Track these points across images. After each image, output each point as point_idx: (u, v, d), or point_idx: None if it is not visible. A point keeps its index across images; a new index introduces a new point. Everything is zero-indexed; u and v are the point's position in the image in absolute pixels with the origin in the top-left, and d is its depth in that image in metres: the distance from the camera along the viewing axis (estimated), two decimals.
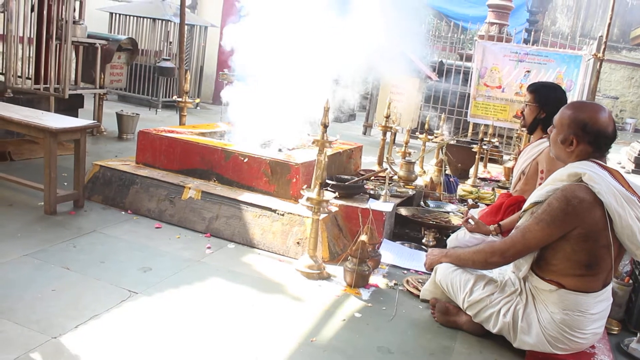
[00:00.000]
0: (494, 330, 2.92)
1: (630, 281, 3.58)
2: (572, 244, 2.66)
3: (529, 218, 2.78)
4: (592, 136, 2.72)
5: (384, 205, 4.30)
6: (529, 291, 2.87)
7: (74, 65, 6.82)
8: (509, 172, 6.83)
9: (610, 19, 8.43)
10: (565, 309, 2.72)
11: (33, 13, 6.06)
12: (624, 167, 11.07)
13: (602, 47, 8.61)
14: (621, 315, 3.54)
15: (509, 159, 7.79)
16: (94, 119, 7.03)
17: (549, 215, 2.66)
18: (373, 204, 4.25)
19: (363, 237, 3.57)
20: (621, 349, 3.18)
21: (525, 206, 2.88)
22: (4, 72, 6.08)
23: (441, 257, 3.20)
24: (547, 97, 3.82)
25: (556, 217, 2.64)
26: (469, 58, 10.87)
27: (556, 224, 2.65)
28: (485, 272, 3.06)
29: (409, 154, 5.57)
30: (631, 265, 3.72)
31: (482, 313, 2.94)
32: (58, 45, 6.08)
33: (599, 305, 2.75)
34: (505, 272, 3.04)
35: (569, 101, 3.64)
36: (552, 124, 2.88)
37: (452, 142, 7.27)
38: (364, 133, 11.23)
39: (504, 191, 4.47)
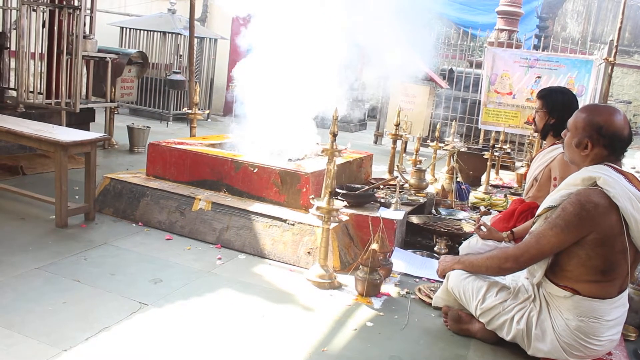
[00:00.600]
0: (508, 338, 2.87)
1: None
2: (587, 250, 2.61)
3: (543, 223, 2.74)
4: (608, 139, 2.67)
5: (395, 214, 4.27)
6: (542, 297, 2.82)
7: (84, 79, 6.87)
8: (521, 178, 6.79)
9: (621, 23, 8.39)
10: (580, 316, 2.67)
11: (44, 29, 6.13)
12: (638, 172, 10.98)
13: (614, 51, 8.56)
14: (638, 321, 3.47)
15: (521, 166, 7.74)
16: (105, 133, 7.08)
17: (563, 220, 2.62)
18: (384, 213, 4.23)
19: (374, 246, 3.55)
20: (638, 356, 3.12)
21: (538, 211, 2.83)
22: (16, 87, 6.14)
23: (454, 263, 3.17)
24: (554, 102, 3.80)
25: (571, 222, 2.59)
26: (479, 65, 10.85)
27: (570, 229, 2.60)
28: (498, 278, 3.02)
29: (420, 161, 5.54)
30: None
31: (495, 320, 2.90)
32: (69, 60, 6.14)
33: (615, 311, 2.70)
34: (519, 279, 3.00)
35: (580, 106, 3.65)
36: (566, 128, 2.84)
37: (463, 150, 7.24)
38: (375, 142, 11.21)
39: (517, 198, 4.43)
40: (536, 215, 2.86)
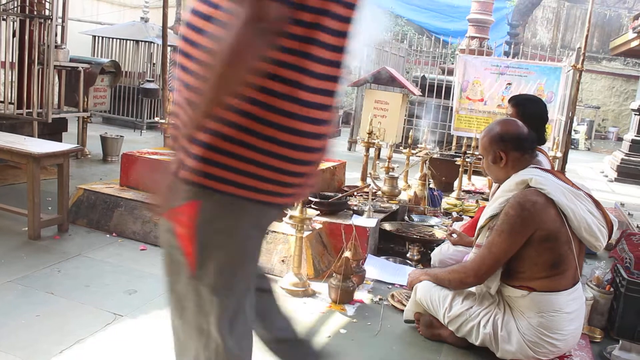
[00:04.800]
0: (477, 343, 2.94)
1: (612, 289, 3.62)
2: (535, 247, 2.75)
3: (487, 233, 2.88)
4: (513, 142, 2.93)
5: (367, 221, 4.33)
6: (504, 301, 2.92)
7: (56, 89, 6.83)
8: (492, 183, 6.89)
9: (588, 30, 8.56)
10: (540, 312, 2.78)
11: (15, 38, 6.08)
12: (607, 176, 11.20)
13: (581, 58, 8.74)
14: (603, 323, 3.58)
15: None
16: (78, 143, 7.04)
17: (508, 225, 2.76)
18: (356, 220, 4.28)
19: (347, 254, 3.60)
20: (604, 357, 3.22)
21: (481, 223, 2.97)
22: None
23: (421, 275, 3.24)
24: (528, 111, 3.87)
25: (515, 224, 2.74)
26: (450, 72, 11.00)
27: (517, 231, 2.74)
28: None
29: (392, 169, 5.61)
30: (612, 273, 3.77)
31: (463, 327, 2.97)
32: (40, 69, 6.10)
33: (572, 303, 2.82)
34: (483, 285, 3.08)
35: (550, 112, 3.82)
36: (480, 156, 3.12)
37: (435, 156, 7.33)
38: (349, 149, 11.27)
39: (483, 205, 4.52)
40: (478, 227, 2.98)
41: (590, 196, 2.89)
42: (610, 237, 2.90)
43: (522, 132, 2.94)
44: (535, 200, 2.73)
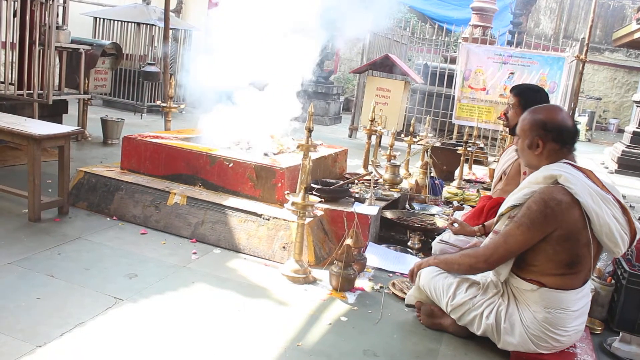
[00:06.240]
0: (478, 333, 2.94)
1: (613, 281, 3.62)
2: (553, 245, 2.70)
3: (507, 222, 2.82)
4: (555, 133, 2.79)
5: (369, 209, 4.31)
6: (510, 292, 2.90)
7: (57, 70, 6.78)
8: (493, 173, 6.88)
9: (592, 21, 8.54)
10: (547, 307, 2.76)
11: (15, 18, 6.02)
12: (607, 167, 11.19)
13: (584, 48, 8.71)
14: (604, 315, 3.58)
15: (494, 160, 7.84)
16: (78, 125, 7.01)
17: (528, 219, 2.70)
18: (358, 208, 4.27)
19: (348, 241, 3.59)
20: (604, 349, 3.22)
21: (501, 210, 2.91)
22: None
23: (428, 259, 3.22)
24: (532, 100, 3.84)
25: (536, 219, 2.68)
26: (453, 60, 10.95)
27: (536, 227, 2.69)
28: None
29: (394, 156, 5.59)
30: (613, 265, 3.77)
31: (465, 316, 2.97)
32: (41, 50, 6.05)
33: (580, 302, 2.80)
34: (488, 275, 3.06)
35: (552, 102, 3.75)
36: (517, 135, 2.96)
37: (437, 145, 7.32)
38: (350, 136, 11.25)
39: (485, 195, 4.51)
40: (499, 213, 2.93)
41: (619, 201, 2.77)
42: (631, 244, 2.81)
43: (566, 125, 2.81)
44: (560, 199, 2.65)
